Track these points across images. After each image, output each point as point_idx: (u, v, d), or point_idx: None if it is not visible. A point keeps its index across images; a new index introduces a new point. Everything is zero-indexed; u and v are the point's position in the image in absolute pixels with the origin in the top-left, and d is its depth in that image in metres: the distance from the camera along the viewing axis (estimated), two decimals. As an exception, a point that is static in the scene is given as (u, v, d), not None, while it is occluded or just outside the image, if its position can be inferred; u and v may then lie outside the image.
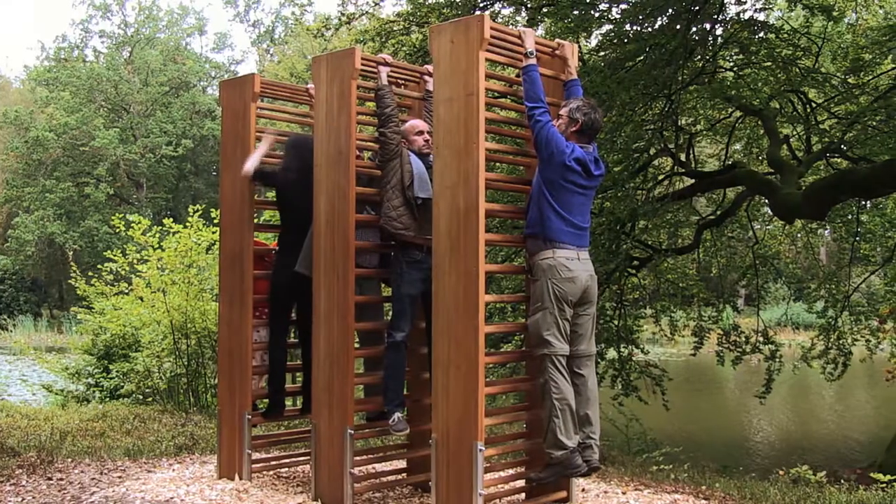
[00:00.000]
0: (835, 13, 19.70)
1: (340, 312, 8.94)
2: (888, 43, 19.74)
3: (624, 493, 9.70)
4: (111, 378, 18.60)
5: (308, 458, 9.88)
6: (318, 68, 9.25)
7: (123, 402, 17.72)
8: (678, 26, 17.76)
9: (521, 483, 9.09)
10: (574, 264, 8.10)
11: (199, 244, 17.41)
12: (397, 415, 8.90)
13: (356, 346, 9.30)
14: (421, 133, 9.16)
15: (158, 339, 17.35)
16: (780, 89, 19.29)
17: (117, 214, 20.36)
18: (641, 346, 20.15)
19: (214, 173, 67.66)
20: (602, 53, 19.89)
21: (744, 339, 21.19)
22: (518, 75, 8.85)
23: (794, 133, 21.83)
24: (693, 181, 21.50)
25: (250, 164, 10.09)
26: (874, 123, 18.45)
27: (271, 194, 10.94)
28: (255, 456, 10.57)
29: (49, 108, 63.05)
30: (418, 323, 9.37)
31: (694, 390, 29.68)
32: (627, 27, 18.70)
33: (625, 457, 14.02)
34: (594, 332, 8.49)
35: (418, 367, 9.63)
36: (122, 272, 19.12)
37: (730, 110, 21.54)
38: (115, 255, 18.75)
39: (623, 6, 18.73)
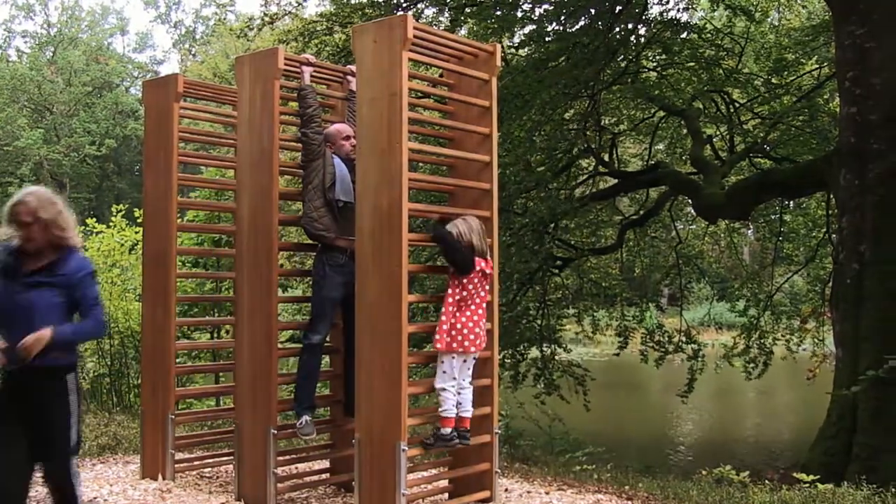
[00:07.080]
0: (757, 14, 19.94)
1: (263, 313, 8.91)
2: (811, 43, 20.02)
3: (547, 493, 9.73)
4: (34, 378, 18.43)
5: (231, 458, 9.84)
6: (241, 68, 9.22)
7: (46, 402, 17.55)
8: (599, 24, 17.90)
9: (444, 483, 9.12)
10: None
11: (123, 244, 17.29)
12: (305, 418, 8.84)
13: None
14: (348, 138, 9.10)
15: (81, 339, 17.19)
16: (704, 89, 19.50)
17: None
18: (564, 346, 20.19)
19: (138, 173, 66.92)
20: (524, 52, 20.00)
21: (667, 338, 21.35)
22: (441, 75, 8.86)
23: (718, 133, 22.08)
24: (616, 181, 21.64)
25: None
26: (797, 123, 18.70)
27: (195, 194, 10.83)
28: (179, 456, 10.48)
29: (-28, 109, 62.39)
30: (336, 323, 9.38)
31: (617, 390, 29.73)
32: (550, 27, 18.80)
33: (548, 457, 14.02)
34: None
35: (341, 367, 9.60)
36: (45, 272, 18.89)
37: (653, 110, 21.73)
38: (37, 256, 18.52)
39: (546, 6, 18.81)
